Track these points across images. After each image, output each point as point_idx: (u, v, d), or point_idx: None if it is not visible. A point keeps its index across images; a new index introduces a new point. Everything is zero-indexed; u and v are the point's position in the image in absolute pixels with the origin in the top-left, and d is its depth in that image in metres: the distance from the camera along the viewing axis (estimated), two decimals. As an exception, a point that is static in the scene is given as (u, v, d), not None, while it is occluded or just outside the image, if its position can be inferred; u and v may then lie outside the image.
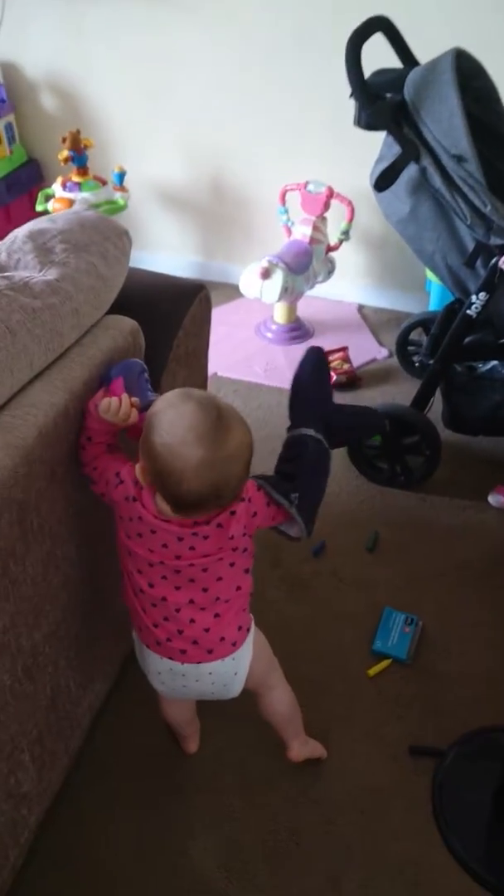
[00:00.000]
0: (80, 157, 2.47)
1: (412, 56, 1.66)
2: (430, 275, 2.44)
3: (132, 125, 2.64)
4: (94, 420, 1.06)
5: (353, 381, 2.33)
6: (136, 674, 1.27)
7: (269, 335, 2.55)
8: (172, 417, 0.96)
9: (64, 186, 2.49)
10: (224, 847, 1.29)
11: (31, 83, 2.67)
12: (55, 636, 1.15)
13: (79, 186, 2.48)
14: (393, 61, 1.65)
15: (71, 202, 2.45)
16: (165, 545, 1.04)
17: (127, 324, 1.20)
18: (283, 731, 1.34)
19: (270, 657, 1.27)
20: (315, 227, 2.40)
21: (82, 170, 2.49)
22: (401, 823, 1.32)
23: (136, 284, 1.29)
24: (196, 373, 1.48)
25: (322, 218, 2.42)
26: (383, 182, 1.58)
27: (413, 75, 1.54)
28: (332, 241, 2.48)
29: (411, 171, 1.60)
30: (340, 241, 2.48)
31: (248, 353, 2.48)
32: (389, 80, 1.59)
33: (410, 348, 2.34)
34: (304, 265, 2.36)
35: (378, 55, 1.60)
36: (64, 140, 2.45)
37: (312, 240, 2.41)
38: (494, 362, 1.95)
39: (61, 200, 2.46)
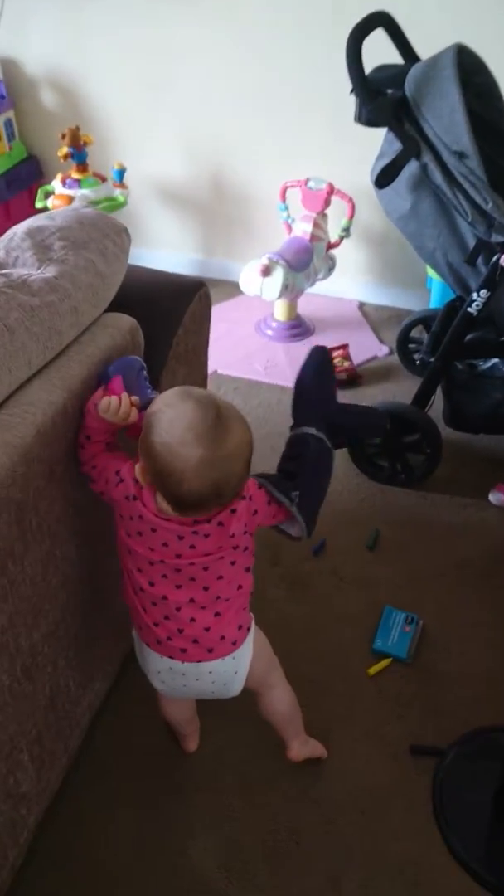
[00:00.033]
0: (79, 154, 2.46)
1: (413, 52, 1.66)
2: (430, 272, 2.44)
3: (132, 121, 2.63)
4: (94, 419, 1.06)
5: (353, 378, 2.32)
6: (135, 673, 1.27)
7: (270, 332, 2.54)
8: (171, 417, 0.95)
9: (63, 183, 2.48)
10: (224, 847, 1.28)
11: (31, 79, 2.66)
12: (54, 636, 1.14)
13: (78, 183, 2.47)
14: (394, 57, 1.64)
15: (70, 199, 2.44)
16: (166, 544, 1.03)
17: (126, 321, 1.19)
18: (283, 731, 1.34)
19: (270, 656, 1.27)
20: (315, 224, 2.40)
21: (82, 166, 2.48)
22: (401, 823, 1.31)
23: (136, 282, 1.28)
24: (196, 371, 1.47)
25: (323, 215, 2.41)
26: (384, 179, 1.57)
27: (414, 71, 1.53)
28: (333, 238, 2.48)
29: (412, 167, 1.59)
30: (341, 238, 2.48)
31: (248, 350, 2.48)
32: (390, 76, 1.58)
33: (411, 346, 2.33)
34: (305, 262, 2.36)
35: (379, 51, 1.59)
36: (63, 136, 2.44)
37: (313, 237, 2.40)
38: (495, 360, 1.95)
39: (61, 197, 2.45)
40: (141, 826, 1.31)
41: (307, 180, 2.38)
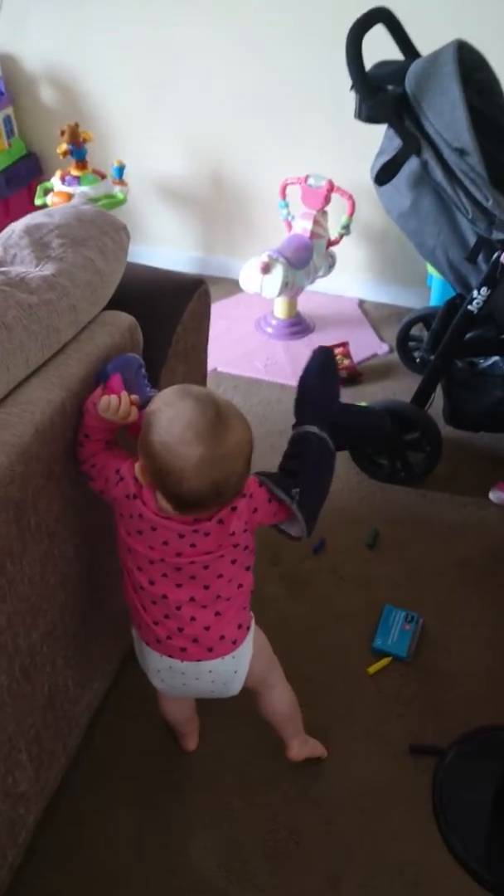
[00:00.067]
0: (78, 151, 2.45)
1: (413, 48, 1.65)
2: (431, 270, 2.43)
3: (132, 118, 2.62)
4: (93, 418, 1.05)
5: (353, 376, 2.32)
6: (135, 671, 1.26)
7: (270, 330, 2.54)
8: (170, 415, 0.95)
9: (63, 180, 2.47)
10: (224, 846, 1.28)
11: (30, 76, 2.65)
12: (53, 636, 1.14)
13: (78, 180, 2.46)
14: (394, 53, 1.63)
15: (70, 196, 2.43)
16: (166, 542, 1.03)
17: (125, 320, 1.19)
18: (282, 730, 1.33)
19: (270, 655, 1.27)
20: (315, 222, 2.39)
21: (81, 163, 2.47)
22: (401, 823, 1.31)
23: (135, 280, 1.27)
24: (195, 369, 1.47)
25: (322, 212, 2.40)
26: (384, 176, 1.56)
27: (414, 67, 1.53)
28: (333, 235, 2.47)
29: (412, 164, 1.59)
30: (341, 236, 2.47)
31: (248, 348, 2.47)
32: (390, 73, 1.57)
33: (411, 344, 2.32)
34: (305, 260, 2.35)
35: (379, 47, 1.58)
36: (62, 133, 2.43)
37: (313, 234, 2.39)
38: (496, 358, 1.94)
39: (60, 194, 2.45)
40: (140, 825, 1.30)
41: (307, 177, 2.37)
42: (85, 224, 1.17)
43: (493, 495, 1.92)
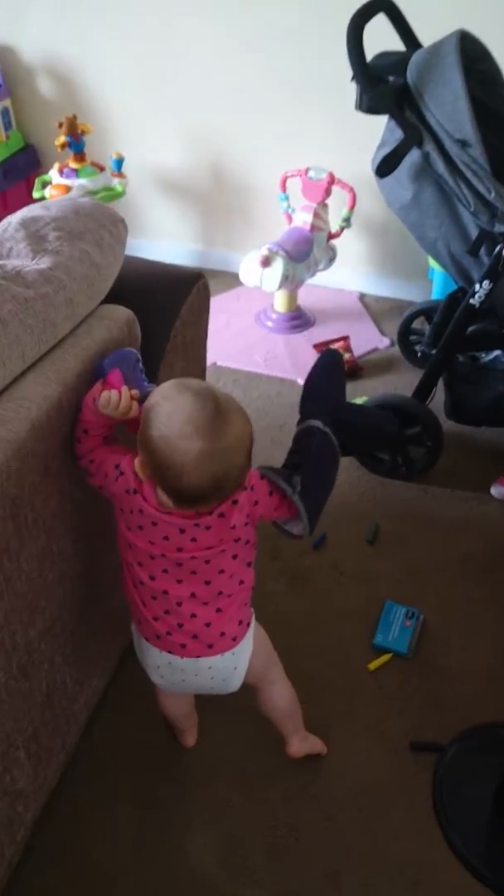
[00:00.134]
0: (77, 143, 2.43)
1: (415, 38, 1.63)
2: (432, 262, 2.41)
3: (131, 110, 2.60)
4: (92, 413, 1.04)
5: (354, 370, 2.30)
6: (133, 667, 1.26)
7: (270, 324, 2.52)
8: (169, 410, 0.94)
9: (61, 173, 2.46)
10: (223, 843, 1.28)
11: (28, 67, 2.63)
12: (51, 633, 1.13)
13: (76, 173, 2.45)
14: (395, 43, 1.62)
15: (68, 189, 2.41)
16: (167, 537, 1.02)
17: (122, 313, 1.17)
18: (282, 727, 1.33)
19: (270, 652, 1.26)
20: (316, 215, 2.37)
21: (79, 156, 2.45)
22: (401, 820, 1.30)
23: (132, 273, 1.26)
24: (194, 363, 1.46)
25: (323, 205, 2.39)
26: (385, 168, 1.55)
27: (416, 58, 1.51)
28: (334, 228, 2.45)
29: (414, 156, 1.57)
30: (342, 229, 2.45)
31: (248, 342, 2.46)
32: (392, 63, 1.56)
33: (412, 338, 2.31)
34: (305, 253, 2.33)
35: (380, 37, 1.56)
36: (60, 125, 2.41)
37: (313, 227, 2.38)
38: (498, 352, 1.93)
39: (58, 187, 2.43)
40: (139, 822, 1.30)
41: (307, 170, 2.35)
42: (82, 217, 1.16)
43: (495, 490, 1.91)
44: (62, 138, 2.42)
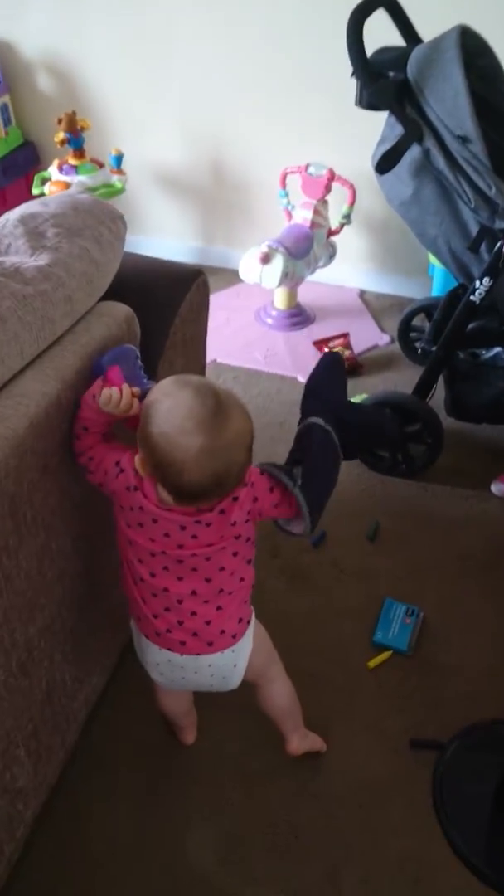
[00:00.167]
0: (76, 140, 2.43)
1: (415, 33, 1.63)
2: (433, 259, 2.41)
3: (130, 106, 2.59)
4: (93, 411, 1.03)
5: (354, 367, 2.30)
6: (133, 664, 1.25)
7: (270, 321, 2.52)
8: (169, 406, 0.94)
9: (60, 169, 2.45)
10: (222, 840, 1.28)
11: (27, 63, 2.62)
12: (50, 630, 1.13)
13: (75, 169, 2.44)
14: (396, 39, 1.61)
15: (67, 185, 2.41)
16: (167, 534, 1.02)
17: (121, 310, 1.17)
18: (282, 725, 1.33)
19: (270, 649, 1.26)
20: (316, 211, 2.37)
21: (79, 152, 2.45)
22: (401, 817, 1.30)
23: (132, 270, 1.26)
24: (193, 361, 1.45)
25: (323, 201, 2.38)
26: (385, 164, 1.54)
27: (416, 53, 1.50)
28: (334, 224, 2.45)
29: (414, 152, 1.57)
30: (342, 225, 2.45)
31: (248, 339, 2.45)
32: (392, 59, 1.55)
33: (413, 335, 2.31)
34: (305, 250, 2.33)
35: (380, 33, 1.56)
36: (60, 122, 2.40)
37: (313, 224, 2.37)
38: (498, 349, 1.92)
39: (58, 184, 2.42)
40: (139, 820, 1.30)
41: (307, 166, 2.34)
42: (81, 213, 1.16)
43: (495, 487, 1.91)
44: (61, 135, 2.41)
